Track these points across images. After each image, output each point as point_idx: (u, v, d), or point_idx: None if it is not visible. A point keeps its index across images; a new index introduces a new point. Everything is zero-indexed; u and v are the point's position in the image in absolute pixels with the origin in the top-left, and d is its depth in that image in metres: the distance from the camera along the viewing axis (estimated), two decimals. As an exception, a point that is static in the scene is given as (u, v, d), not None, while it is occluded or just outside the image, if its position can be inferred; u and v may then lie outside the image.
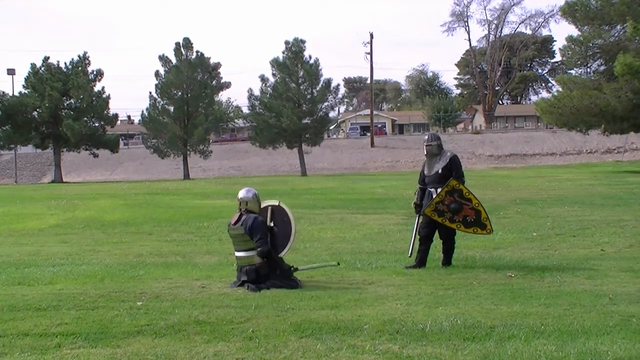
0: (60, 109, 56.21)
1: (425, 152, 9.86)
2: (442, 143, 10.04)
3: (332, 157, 67.90)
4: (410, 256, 9.76)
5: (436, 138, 9.95)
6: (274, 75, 57.96)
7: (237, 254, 8.46)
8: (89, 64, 57.83)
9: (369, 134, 76.59)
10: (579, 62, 48.04)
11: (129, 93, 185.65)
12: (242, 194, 8.60)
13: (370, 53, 72.24)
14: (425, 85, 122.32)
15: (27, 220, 18.10)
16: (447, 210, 9.44)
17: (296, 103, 56.67)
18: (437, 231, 9.76)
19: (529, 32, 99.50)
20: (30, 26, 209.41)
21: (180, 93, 56.96)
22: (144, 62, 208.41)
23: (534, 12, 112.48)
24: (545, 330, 5.99)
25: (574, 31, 48.62)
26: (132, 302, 7.40)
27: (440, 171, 9.62)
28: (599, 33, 43.71)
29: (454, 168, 9.62)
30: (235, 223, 8.45)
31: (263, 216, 8.63)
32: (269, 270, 8.25)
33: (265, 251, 8.26)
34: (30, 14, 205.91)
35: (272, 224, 8.74)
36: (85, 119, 56.00)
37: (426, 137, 10.04)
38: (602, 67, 46.49)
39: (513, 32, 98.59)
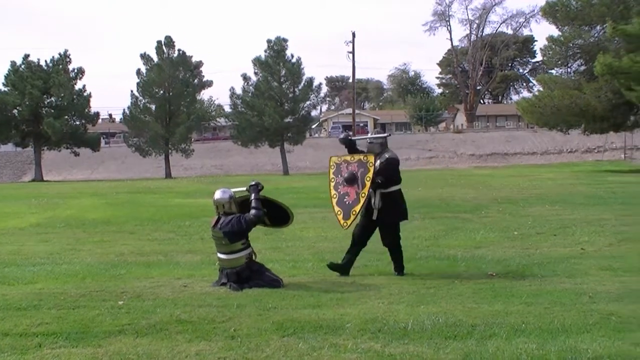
0: (40, 107, 55.72)
1: (367, 150, 9.26)
2: (387, 143, 9.39)
3: (314, 156, 67.80)
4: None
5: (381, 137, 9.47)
6: (256, 74, 57.85)
7: (219, 255, 8.45)
8: (70, 62, 57.41)
9: (351, 133, 76.60)
10: (559, 62, 48.30)
11: (111, 91, 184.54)
12: (217, 195, 8.53)
13: (353, 52, 72.18)
14: (407, 85, 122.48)
15: (6, 219, 17.95)
16: (342, 175, 8.97)
17: (278, 102, 56.60)
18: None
19: (510, 32, 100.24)
20: (10, 24, 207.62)
21: (162, 91, 56.68)
22: (125, 61, 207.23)
23: (515, 12, 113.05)
24: (526, 328, 6.03)
25: (554, 31, 48.85)
26: (114, 301, 7.38)
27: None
28: (579, 33, 43.99)
29: (387, 168, 8.96)
30: (214, 226, 8.43)
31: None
32: (250, 272, 8.25)
33: (259, 215, 8.39)
34: (11, 11, 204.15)
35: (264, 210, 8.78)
36: (66, 117, 55.56)
37: (369, 135, 9.62)
38: (583, 67, 46.74)
39: (494, 31, 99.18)
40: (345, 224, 8.86)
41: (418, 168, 59.07)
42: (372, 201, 8.89)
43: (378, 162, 8.98)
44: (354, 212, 8.77)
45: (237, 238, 8.26)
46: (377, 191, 8.86)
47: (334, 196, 8.97)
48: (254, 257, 8.44)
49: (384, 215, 8.91)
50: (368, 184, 8.76)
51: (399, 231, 9.20)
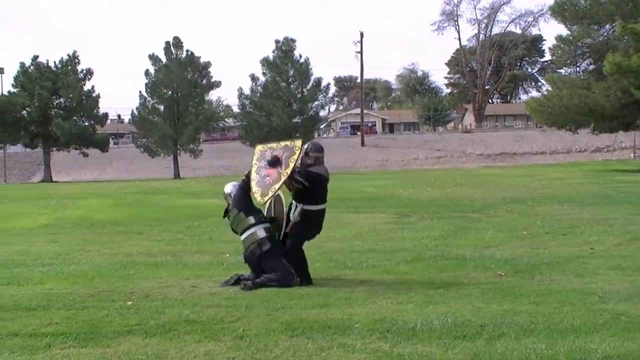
0: (49, 108, 55.91)
1: (300, 162, 8.51)
2: (320, 156, 8.62)
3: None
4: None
5: (313, 149, 8.62)
6: (264, 74, 58.01)
7: (241, 237, 8.60)
8: (79, 62, 57.60)
9: (359, 133, 76.57)
10: (568, 62, 48.21)
11: (119, 92, 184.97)
12: (228, 189, 8.91)
13: (361, 52, 72.28)
14: (416, 84, 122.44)
15: (16, 219, 18.01)
16: (265, 159, 8.58)
17: (286, 102, 56.71)
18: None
19: (518, 31, 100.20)
20: (19, 24, 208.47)
21: (170, 92, 56.83)
22: (134, 61, 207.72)
23: (523, 11, 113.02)
24: (535, 328, 6.01)
25: (563, 30, 48.84)
26: (122, 301, 7.39)
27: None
28: (588, 32, 43.90)
29: (306, 177, 8.35)
30: (225, 214, 8.80)
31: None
32: (271, 245, 8.33)
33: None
34: (20, 12, 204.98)
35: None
36: (75, 118, 55.73)
37: (306, 146, 8.66)
38: (591, 66, 46.67)
39: (503, 31, 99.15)
40: (262, 200, 8.42)
41: (426, 168, 59.04)
42: (292, 212, 8.45)
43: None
44: (272, 190, 8.34)
45: (250, 209, 8.52)
46: (299, 206, 8.36)
47: (254, 179, 8.58)
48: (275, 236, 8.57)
49: (293, 225, 8.46)
50: (292, 165, 8.28)
51: (298, 245, 8.63)
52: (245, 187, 8.70)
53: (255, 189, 8.55)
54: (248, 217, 8.49)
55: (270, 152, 8.73)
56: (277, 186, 8.36)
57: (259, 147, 9.01)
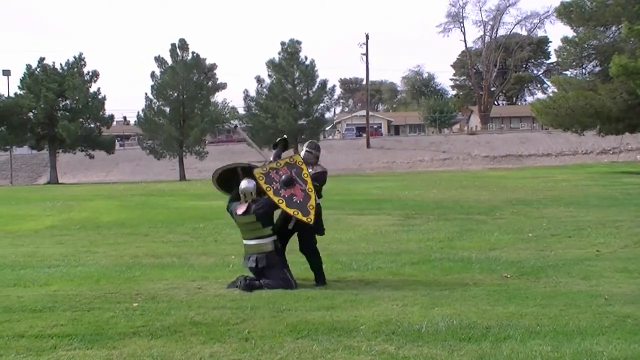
0: (55, 110, 56.04)
1: (302, 157, 9.07)
2: (320, 155, 9.28)
3: (328, 158, 67.75)
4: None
5: (316, 148, 9.31)
6: (269, 76, 58.09)
7: (247, 242, 8.59)
8: (85, 64, 57.77)
9: (364, 135, 76.56)
10: (574, 63, 48.08)
11: (125, 94, 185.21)
12: (243, 185, 8.69)
13: (366, 54, 72.35)
14: (421, 86, 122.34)
15: (22, 221, 18.05)
16: (277, 180, 8.64)
17: (292, 104, 56.75)
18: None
19: (524, 33, 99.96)
20: (26, 26, 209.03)
21: (176, 94, 56.90)
22: (140, 63, 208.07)
23: (529, 13, 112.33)
24: (541, 330, 6.00)
25: (569, 32, 48.75)
26: (128, 303, 7.40)
27: None
28: (594, 34, 43.77)
29: (320, 177, 8.95)
30: (245, 213, 8.53)
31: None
32: (278, 258, 8.40)
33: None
34: (26, 14, 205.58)
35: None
36: (81, 120, 55.85)
37: (307, 144, 9.47)
38: (598, 68, 46.53)
39: (508, 33, 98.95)
40: (309, 219, 8.40)
41: (432, 170, 59.01)
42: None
43: (312, 171, 8.90)
44: (311, 207, 8.44)
45: (269, 222, 8.52)
46: None
47: (281, 201, 8.48)
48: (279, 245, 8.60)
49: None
50: (308, 179, 8.65)
51: (315, 240, 8.88)
52: (272, 204, 8.46)
53: (293, 211, 8.44)
54: (265, 228, 8.48)
55: (274, 172, 8.73)
56: (313, 202, 8.48)
57: (259, 171, 8.75)
